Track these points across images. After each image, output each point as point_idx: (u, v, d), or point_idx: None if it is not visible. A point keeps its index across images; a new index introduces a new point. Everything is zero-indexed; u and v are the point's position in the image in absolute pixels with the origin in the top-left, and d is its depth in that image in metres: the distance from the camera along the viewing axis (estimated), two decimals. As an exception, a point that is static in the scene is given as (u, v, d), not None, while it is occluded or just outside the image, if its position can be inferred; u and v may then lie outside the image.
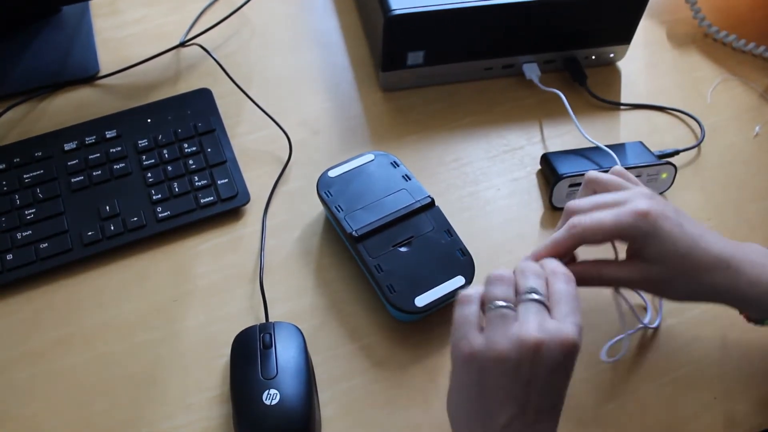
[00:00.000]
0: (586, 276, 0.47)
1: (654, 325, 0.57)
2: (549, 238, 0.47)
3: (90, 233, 0.59)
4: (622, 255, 0.49)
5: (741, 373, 0.55)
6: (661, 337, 0.57)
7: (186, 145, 0.65)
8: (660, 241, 0.45)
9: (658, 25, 0.81)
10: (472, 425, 0.42)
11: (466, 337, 0.42)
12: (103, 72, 0.72)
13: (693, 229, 0.46)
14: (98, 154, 0.64)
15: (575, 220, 0.46)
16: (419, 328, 0.57)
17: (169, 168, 0.63)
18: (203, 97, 0.69)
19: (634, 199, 0.46)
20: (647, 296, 0.58)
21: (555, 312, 0.42)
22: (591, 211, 0.46)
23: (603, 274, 0.48)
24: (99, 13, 0.78)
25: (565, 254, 0.47)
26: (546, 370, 0.40)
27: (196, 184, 0.62)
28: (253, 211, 0.63)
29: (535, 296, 0.42)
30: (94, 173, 0.63)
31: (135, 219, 0.60)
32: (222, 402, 0.53)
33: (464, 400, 0.43)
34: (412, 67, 0.70)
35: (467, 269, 0.55)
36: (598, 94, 0.72)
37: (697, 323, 0.57)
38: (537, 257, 0.47)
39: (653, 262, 0.46)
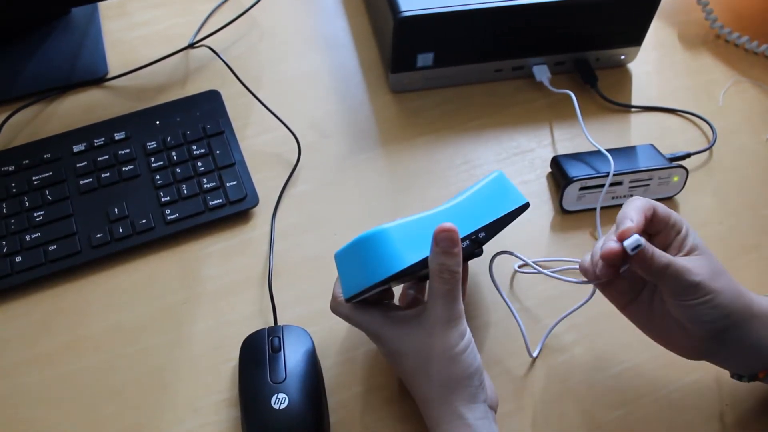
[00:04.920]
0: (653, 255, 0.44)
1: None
2: (626, 216, 0.45)
3: (99, 235, 0.59)
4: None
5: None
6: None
7: (195, 147, 0.64)
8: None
9: (670, 26, 0.80)
10: None
11: None
12: (112, 74, 0.72)
13: None
14: (107, 156, 0.64)
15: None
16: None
17: (178, 170, 0.63)
18: (212, 99, 0.69)
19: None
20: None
21: None
22: None
23: (666, 260, 0.44)
24: (108, 15, 0.78)
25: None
26: None
27: (205, 186, 0.62)
28: (262, 213, 0.63)
29: None
30: (102, 175, 0.63)
31: (144, 221, 0.60)
32: (230, 406, 0.53)
33: None
34: (421, 69, 0.69)
35: None
36: (608, 96, 0.72)
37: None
38: (628, 232, 0.44)
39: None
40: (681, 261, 0.45)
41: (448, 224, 0.44)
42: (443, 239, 0.44)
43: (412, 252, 0.44)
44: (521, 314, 0.57)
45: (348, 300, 0.48)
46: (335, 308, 0.50)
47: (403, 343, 0.47)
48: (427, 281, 0.51)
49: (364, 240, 0.46)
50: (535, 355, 0.55)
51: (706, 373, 0.55)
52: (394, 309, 0.50)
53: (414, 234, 0.45)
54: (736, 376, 0.49)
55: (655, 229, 0.47)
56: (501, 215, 0.49)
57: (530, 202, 0.51)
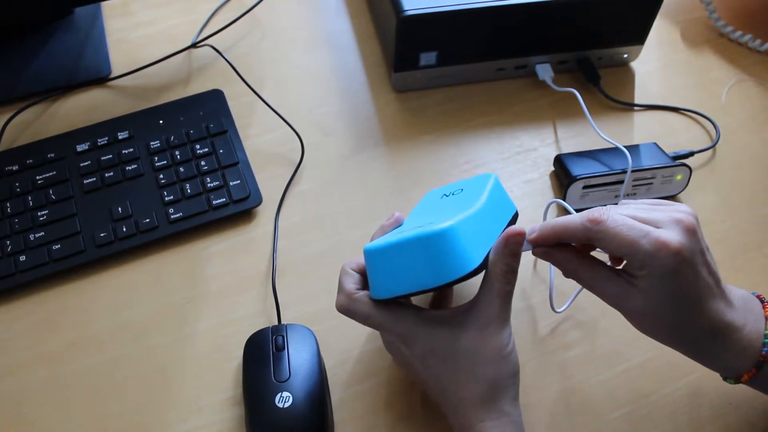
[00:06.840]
0: (564, 265, 0.46)
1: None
2: (559, 219, 0.45)
3: (102, 234, 0.59)
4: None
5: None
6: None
7: (198, 147, 0.64)
8: (668, 284, 0.41)
9: (673, 24, 0.80)
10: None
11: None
12: (115, 73, 0.72)
13: (706, 282, 0.43)
14: (110, 156, 0.64)
15: (600, 214, 0.42)
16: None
17: (182, 169, 0.63)
18: (215, 99, 0.69)
19: (670, 226, 0.42)
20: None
21: None
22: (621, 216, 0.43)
23: (579, 274, 0.46)
24: (111, 15, 0.78)
25: (568, 241, 0.45)
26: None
27: (209, 185, 0.62)
28: (266, 212, 0.63)
29: None
30: (106, 174, 0.63)
31: (147, 220, 0.60)
32: (234, 405, 0.53)
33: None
34: (424, 68, 0.69)
35: None
36: (611, 94, 0.72)
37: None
38: (537, 239, 0.46)
39: (641, 292, 0.42)
40: (590, 276, 0.45)
41: (518, 228, 0.44)
42: (514, 242, 0.44)
43: (477, 252, 0.44)
44: (543, 286, 0.59)
45: (379, 300, 0.46)
46: (348, 306, 0.47)
47: (444, 343, 0.45)
48: None
49: (427, 238, 0.42)
50: (560, 310, 0.57)
51: (711, 372, 0.55)
52: (423, 308, 0.49)
53: (473, 233, 0.44)
54: (723, 377, 0.48)
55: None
56: (506, 222, 0.49)
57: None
